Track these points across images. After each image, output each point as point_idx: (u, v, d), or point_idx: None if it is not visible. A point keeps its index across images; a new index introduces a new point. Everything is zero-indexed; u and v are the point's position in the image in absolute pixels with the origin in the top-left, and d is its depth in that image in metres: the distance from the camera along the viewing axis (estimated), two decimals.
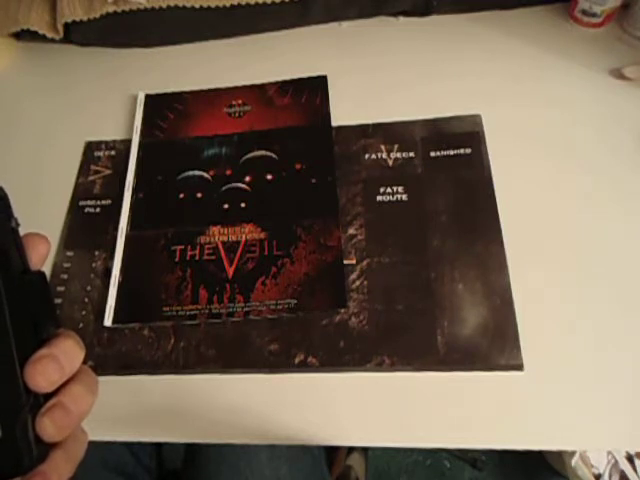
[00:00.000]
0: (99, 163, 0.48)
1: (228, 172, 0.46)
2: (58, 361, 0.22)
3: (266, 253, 0.42)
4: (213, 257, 0.42)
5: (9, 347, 0.21)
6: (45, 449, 0.22)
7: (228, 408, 0.38)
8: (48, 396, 0.22)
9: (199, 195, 0.45)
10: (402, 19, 0.53)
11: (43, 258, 0.24)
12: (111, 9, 0.50)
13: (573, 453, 0.73)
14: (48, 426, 0.21)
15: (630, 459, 0.72)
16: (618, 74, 0.46)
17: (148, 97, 0.51)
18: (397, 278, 0.40)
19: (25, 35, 0.53)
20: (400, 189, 0.43)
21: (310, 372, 0.38)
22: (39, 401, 0.22)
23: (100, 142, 0.49)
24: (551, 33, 0.50)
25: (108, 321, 0.40)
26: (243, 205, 0.44)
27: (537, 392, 0.35)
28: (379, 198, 0.43)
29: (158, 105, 0.51)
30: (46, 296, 0.24)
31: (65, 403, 0.22)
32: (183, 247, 0.43)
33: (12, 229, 0.23)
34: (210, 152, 0.47)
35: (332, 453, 0.84)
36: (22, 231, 0.23)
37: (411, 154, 0.45)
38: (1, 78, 0.56)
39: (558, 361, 0.36)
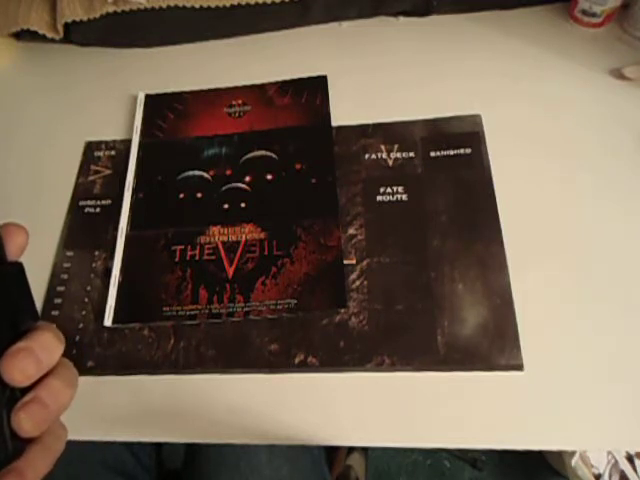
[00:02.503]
0: (99, 163, 0.48)
1: (228, 172, 0.46)
2: (35, 355, 0.21)
3: (266, 253, 0.42)
4: (213, 257, 0.42)
5: None
6: (21, 445, 0.21)
7: (228, 408, 0.38)
8: (25, 390, 0.21)
9: (199, 195, 0.45)
10: (402, 19, 0.53)
11: (21, 249, 0.23)
12: (111, 9, 0.50)
13: (573, 453, 0.73)
14: (24, 421, 0.21)
15: (630, 459, 0.72)
16: (618, 74, 0.46)
17: (148, 97, 0.51)
18: (397, 278, 0.40)
19: (25, 35, 0.53)
20: (400, 189, 0.43)
21: (310, 372, 0.38)
22: (15, 395, 0.21)
23: (100, 142, 0.49)
24: (551, 33, 0.50)
25: (108, 321, 0.40)
26: (243, 205, 0.44)
27: (537, 392, 0.35)
28: (379, 198, 0.43)
29: (158, 105, 0.51)
30: (24, 288, 0.23)
31: (42, 397, 0.21)
32: (183, 247, 0.43)
33: None
34: (210, 152, 0.47)
35: (332, 453, 0.84)
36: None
37: (411, 154, 0.45)
38: (1, 78, 0.56)
39: (558, 361, 0.36)
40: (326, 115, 0.47)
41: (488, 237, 0.40)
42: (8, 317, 0.22)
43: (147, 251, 0.43)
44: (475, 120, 0.45)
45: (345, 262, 0.41)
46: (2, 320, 0.21)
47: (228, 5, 0.49)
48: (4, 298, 0.22)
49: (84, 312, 0.41)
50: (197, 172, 0.46)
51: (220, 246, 0.43)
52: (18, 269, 0.23)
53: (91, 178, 0.48)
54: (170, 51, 0.54)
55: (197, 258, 0.42)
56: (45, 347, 0.22)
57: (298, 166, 0.45)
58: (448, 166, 0.43)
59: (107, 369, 0.39)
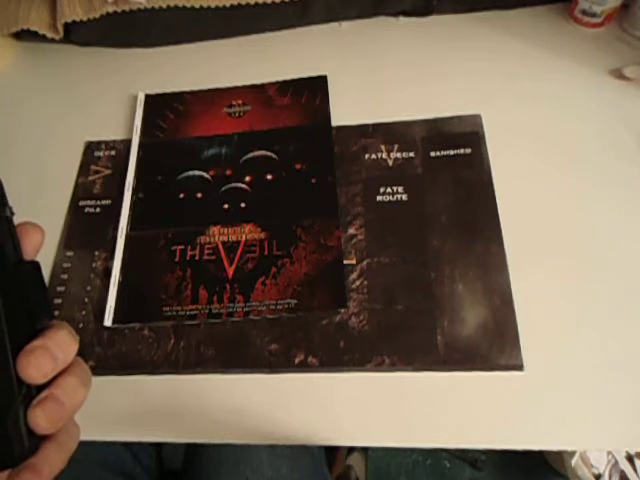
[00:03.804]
0: (99, 163, 0.48)
1: (228, 172, 0.46)
2: (51, 352, 0.21)
3: (266, 253, 0.42)
4: (213, 257, 0.42)
5: (2, 338, 0.21)
6: (37, 441, 0.21)
7: (228, 408, 0.38)
8: (41, 388, 0.22)
9: (199, 195, 0.45)
10: (402, 19, 0.53)
11: (37, 248, 0.24)
12: (111, 9, 0.50)
13: (573, 453, 0.73)
14: (40, 418, 0.21)
15: (630, 459, 0.72)
16: (618, 74, 0.46)
17: (148, 97, 0.51)
18: (397, 278, 0.40)
19: (25, 35, 0.53)
20: (400, 189, 0.43)
21: (310, 372, 0.38)
22: (31, 393, 0.21)
23: (100, 142, 0.49)
24: (551, 33, 0.50)
25: (108, 321, 0.40)
26: (243, 205, 0.44)
27: (537, 392, 0.35)
28: (379, 198, 0.43)
29: (158, 105, 0.51)
30: (40, 287, 0.23)
31: (58, 395, 0.22)
32: (183, 247, 0.43)
33: (6, 218, 0.22)
34: (210, 152, 0.47)
35: (332, 453, 0.84)
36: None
37: (411, 154, 0.45)
38: (1, 78, 0.56)
39: (558, 361, 0.36)
40: (326, 115, 0.47)
41: (488, 237, 0.40)
42: (25, 315, 0.22)
43: (147, 251, 0.43)
44: (475, 120, 0.45)
45: (345, 262, 0.41)
46: (19, 318, 0.22)
47: (228, 5, 0.49)
48: (21, 297, 0.22)
49: (84, 312, 0.41)
50: (197, 172, 0.46)
51: (220, 246, 0.43)
52: (35, 268, 0.23)
53: (91, 178, 0.48)
54: (170, 51, 0.55)
55: (197, 258, 0.42)
56: (61, 345, 0.22)
57: (298, 166, 0.45)
58: (448, 166, 0.43)
59: (107, 369, 0.39)
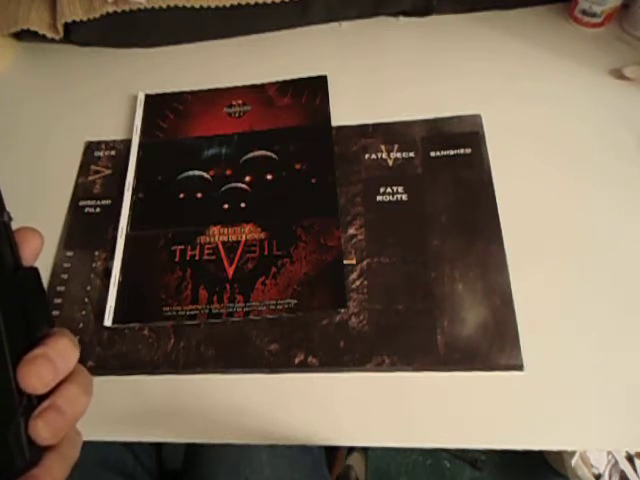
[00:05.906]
0: (99, 163, 0.48)
1: (228, 172, 0.46)
2: (52, 361, 0.21)
3: (266, 253, 0.42)
4: (213, 257, 0.42)
5: (1, 346, 0.20)
6: (38, 452, 0.21)
7: (228, 408, 0.38)
8: (42, 397, 0.21)
9: (199, 195, 0.45)
10: (402, 19, 0.53)
11: (36, 254, 0.23)
12: (111, 9, 0.50)
13: (573, 453, 0.73)
14: (42, 429, 0.20)
15: (630, 459, 0.72)
16: (618, 74, 0.46)
17: (148, 97, 0.51)
18: (397, 278, 0.40)
19: (25, 35, 0.53)
20: (400, 189, 0.43)
21: (310, 372, 0.38)
22: (32, 403, 0.21)
23: (100, 142, 0.49)
24: (551, 33, 0.50)
25: (108, 321, 0.40)
26: (243, 205, 0.44)
27: (537, 392, 0.35)
28: (379, 198, 0.43)
29: (158, 105, 0.51)
30: (39, 293, 0.23)
31: (59, 405, 0.21)
32: (183, 247, 0.43)
33: (4, 223, 0.22)
34: (210, 152, 0.47)
35: (332, 453, 0.84)
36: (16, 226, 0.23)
37: (411, 154, 0.45)
38: (1, 78, 0.56)
39: (558, 361, 0.36)
40: (326, 115, 0.47)
41: (488, 237, 0.40)
42: (24, 323, 0.21)
43: (147, 251, 0.43)
44: (475, 120, 0.45)
45: (345, 262, 0.41)
46: (18, 326, 0.21)
47: (228, 5, 0.49)
48: (20, 304, 0.21)
49: (84, 312, 0.41)
50: (197, 172, 0.46)
51: (220, 246, 0.43)
52: (34, 274, 0.22)
53: (91, 178, 0.48)
54: (170, 51, 0.55)
55: (197, 258, 0.42)
56: (61, 353, 0.21)
57: (298, 166, 0.45)
58: (448, 166, 0.43)
59: (107, 369, 0.39)
